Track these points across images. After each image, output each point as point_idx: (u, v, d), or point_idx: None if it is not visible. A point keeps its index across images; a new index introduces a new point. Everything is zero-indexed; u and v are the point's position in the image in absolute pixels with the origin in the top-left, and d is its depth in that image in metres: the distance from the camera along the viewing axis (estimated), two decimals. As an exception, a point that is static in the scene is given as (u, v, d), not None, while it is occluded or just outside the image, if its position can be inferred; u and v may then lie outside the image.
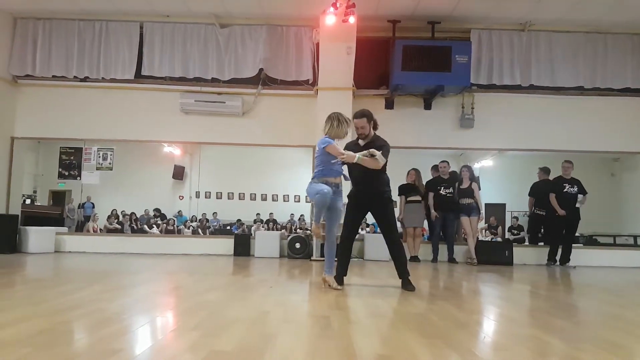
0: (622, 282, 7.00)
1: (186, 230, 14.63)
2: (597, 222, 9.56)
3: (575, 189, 8.82)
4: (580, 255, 9.34)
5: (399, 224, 10.00)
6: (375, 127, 4.98)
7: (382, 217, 4.97)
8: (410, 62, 9.04)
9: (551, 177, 9.45)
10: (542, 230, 9.82)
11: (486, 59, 9.76)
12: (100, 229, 13.05)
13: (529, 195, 9.81)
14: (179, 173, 16.37)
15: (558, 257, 8.94)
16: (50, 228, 9.81)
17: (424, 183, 9.46)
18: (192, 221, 15.40)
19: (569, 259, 8.88)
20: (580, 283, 6.63)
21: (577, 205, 8.79)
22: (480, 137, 9.88)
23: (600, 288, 6.16)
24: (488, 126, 9.82)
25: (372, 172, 4.74)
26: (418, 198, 9.26)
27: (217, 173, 16.36)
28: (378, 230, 13.22)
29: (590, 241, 10.96)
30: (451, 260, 9.10)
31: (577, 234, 10.21)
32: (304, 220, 14.86)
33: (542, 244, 9.74)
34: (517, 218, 13.35)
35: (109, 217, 13.71)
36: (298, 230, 13.23)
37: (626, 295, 5.56)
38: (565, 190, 8.85)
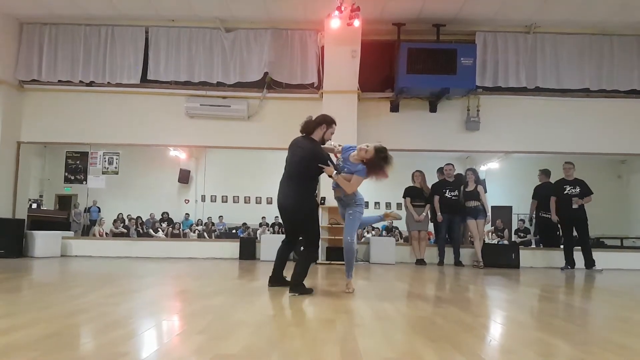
0: (630, 284, 6.96)
1: (192, 234, 14.66)
2: (604, 224, 9.50)
3: (578, 190, 8.66)
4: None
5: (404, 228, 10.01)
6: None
7: None
8: (416, 65, 9.03)
9: (553, 180, 9.40)
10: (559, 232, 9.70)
11: (491, 61, 9.73)
12: (106, 233, 13.10)
13: (533, 198, 9.75)
14: (184, 177, 16.41)
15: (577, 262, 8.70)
16: (57, 232, 9.85)
17: (429, 186, 9.45)
18: (197, 225, 15.42)
19: (594, 262, 8.56)
20: (587, 286, 6.59)
21: (574, 206, 8.59)
22: (486, 140, 9.85)
23: (608, 290, 6.12)
24: (494, 129, 9.80)
25: None
26: (422, 203, 9.24)
27: (222, 177, 16.38)
28: (384, 233, 13.19)
29: (597, 243, 10.91)
30: (457, 263, 9.07)
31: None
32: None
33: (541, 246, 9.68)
34: (523, 221, 13.30)
35: (114, 221, 13.76)
36: (303, 234, 13.21)
37: (633, 297, 5.52)
38: (565, 192, 8.72)
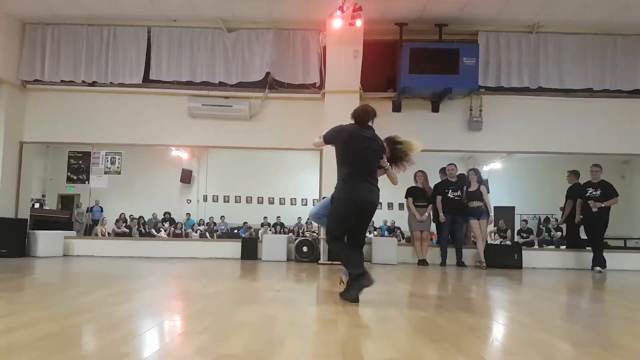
0: (633, 285, 6.94)
1: (194, 233, 14.66)
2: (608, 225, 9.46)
3: (599, 193, 8.62)
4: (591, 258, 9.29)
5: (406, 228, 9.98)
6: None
7: None
8: (418, 65, 9.03)
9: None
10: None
11: (494, 61, 9.71)
12: (109, 233, 13.11)
13: (569, 199, 9.53)
14: (186, 177, 16.40)
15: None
16: (59, 232, 9.85)
17: (432, 186, 9.44)
18: (199, 225, 15.43)
19: (602, 264, 8.56)
20: (591, 286, 6.57)
21: (593, 209, 8.58)
22: (489, 140, 9.83)
23: (611, 291, 6.11)
24: (496, 129, 9.78)
25: None
26: (424, 203, 9.23)
27: (224, 176, 16.37)
28: (386, 233, 13.15)
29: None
30: (460, 263, 9.05)
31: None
32: (311, 223, 14.84)
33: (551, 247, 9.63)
34: (526, 221, 13.26)
35: (117, 220, 13.76)
36: (305, 234, 13.21)
37: (637, 298, 5.50)
38: (587, 194, 8.73)
